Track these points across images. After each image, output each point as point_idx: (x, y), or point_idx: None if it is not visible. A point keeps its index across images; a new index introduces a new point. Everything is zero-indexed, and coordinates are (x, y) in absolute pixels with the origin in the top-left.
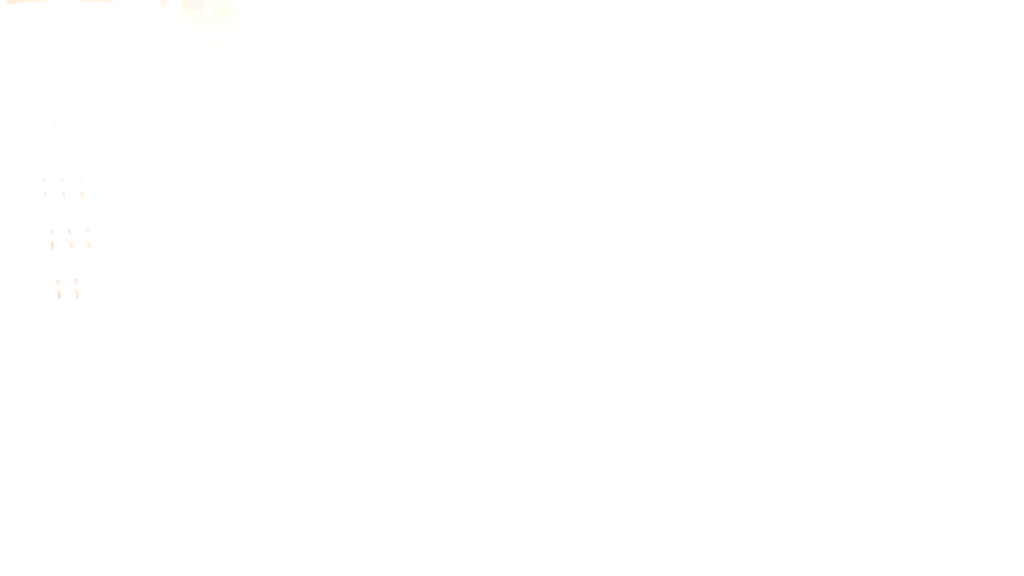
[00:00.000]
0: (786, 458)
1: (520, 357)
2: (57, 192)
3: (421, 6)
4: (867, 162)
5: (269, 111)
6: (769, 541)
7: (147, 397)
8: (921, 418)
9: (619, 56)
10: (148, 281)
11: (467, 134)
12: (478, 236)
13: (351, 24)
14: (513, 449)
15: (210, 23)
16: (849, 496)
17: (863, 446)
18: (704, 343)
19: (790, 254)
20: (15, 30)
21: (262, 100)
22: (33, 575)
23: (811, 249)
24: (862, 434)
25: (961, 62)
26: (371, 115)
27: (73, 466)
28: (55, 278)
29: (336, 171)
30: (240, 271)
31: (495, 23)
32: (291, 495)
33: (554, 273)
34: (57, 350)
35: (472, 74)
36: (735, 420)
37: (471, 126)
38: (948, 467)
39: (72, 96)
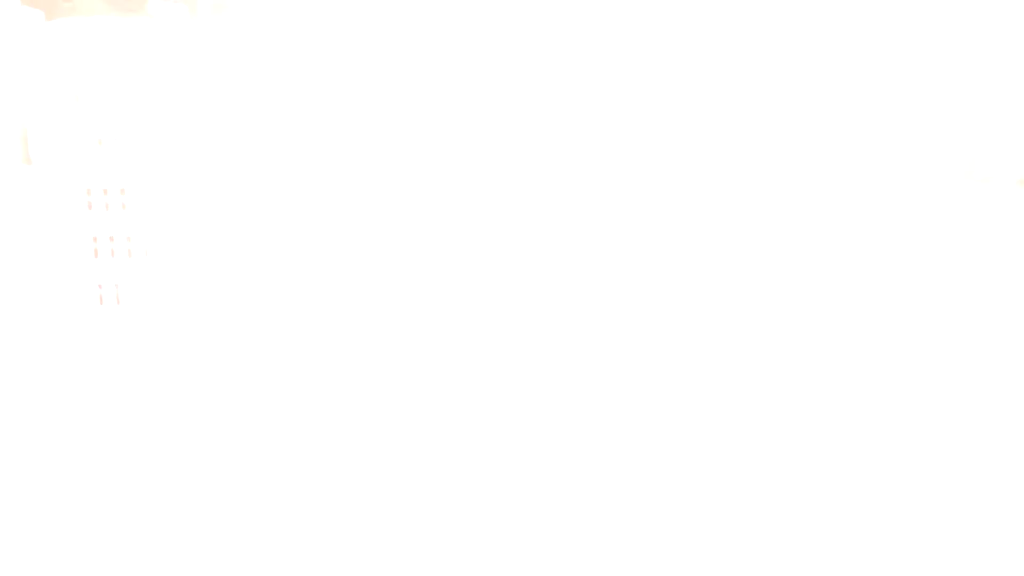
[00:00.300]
0: (786, 458)
1: (522, 358)
2: (100, 202)
3: (437, 15)
4: (866, 163)
5: (289, 115)
6: (769, 541)
7: (186, 400)
8: (921, 418)
9: (619, 57)
10: (186, 285)
11: (472, 132)
12: (480, 236)
13: (372, 30)
14: (513, 449)
15: (233, 28)
16: (849, 496)
17: (863, 447)
18: (704, 344)
19: (789, 254)
20: (55, 46)
21: (282, 104)
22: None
23: (810, 250)
24: (862, 435)
25: (961, 63)
26: (390, 120)
27: (112, 468)
28: (98, 284)
29: (361, 174)
30: (274, 274)
31: (497, 22)
32: (333, 499)
33: (553, 273)
34: (99, 353)
35: (478, 71)
36: (735, 421)
37: (476, 124)
38: (948, 468)
39: (115, 110)
